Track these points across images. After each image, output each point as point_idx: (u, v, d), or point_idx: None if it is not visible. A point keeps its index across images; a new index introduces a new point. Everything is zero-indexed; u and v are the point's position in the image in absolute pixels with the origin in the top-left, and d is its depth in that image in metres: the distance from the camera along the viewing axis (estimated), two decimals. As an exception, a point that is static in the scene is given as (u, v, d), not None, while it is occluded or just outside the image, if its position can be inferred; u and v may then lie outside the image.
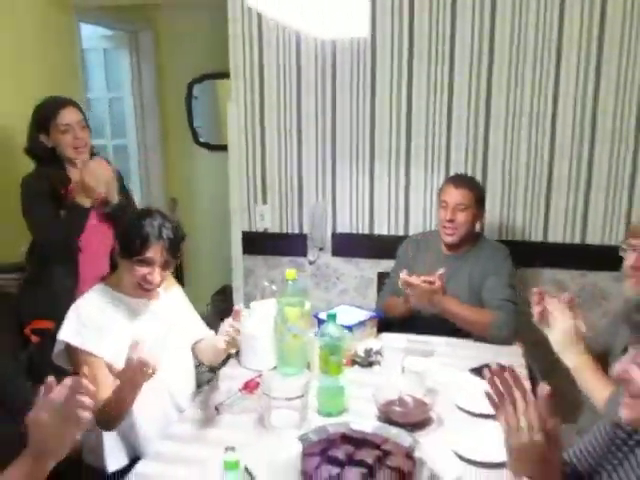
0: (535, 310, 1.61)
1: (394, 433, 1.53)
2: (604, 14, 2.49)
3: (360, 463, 1.39)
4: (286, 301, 1.86)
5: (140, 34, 3.98)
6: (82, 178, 2.25)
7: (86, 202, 2.29)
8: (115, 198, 2.37)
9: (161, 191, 4.26)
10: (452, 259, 2.30)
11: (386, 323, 2.35)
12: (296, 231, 2.97)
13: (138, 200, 4.25)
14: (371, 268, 2.89)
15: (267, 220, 2.99)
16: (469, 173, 2.68)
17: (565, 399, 1.96)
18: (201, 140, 4.31)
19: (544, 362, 1.84)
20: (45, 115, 2.41)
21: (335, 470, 1.38)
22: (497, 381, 1.40)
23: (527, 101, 2.64)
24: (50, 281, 2.34)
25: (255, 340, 1.95)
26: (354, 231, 2.91)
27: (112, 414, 1.59)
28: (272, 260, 2.99)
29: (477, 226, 2.44)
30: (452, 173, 2.66)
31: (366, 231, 2.90)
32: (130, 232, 1.70)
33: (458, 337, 2.19)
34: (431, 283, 2.05)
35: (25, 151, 2.44)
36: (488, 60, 2.64)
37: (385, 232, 2.88)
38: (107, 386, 1.58)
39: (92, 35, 3.91)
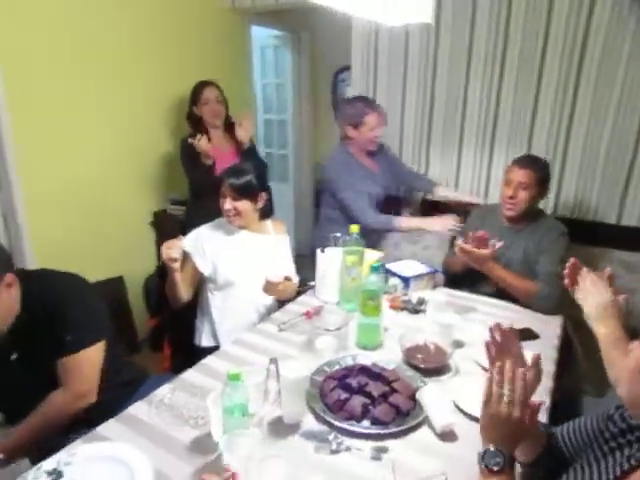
0: (566, 280, 1.25)
1: (409, 375, 1.32)
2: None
3: (367, 394, 1.22)
4: (349, 250, 1.68)
5: (301, 34, 3.83)
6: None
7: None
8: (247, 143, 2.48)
9: (310, 155, 4.19)
10: (510, 231, 1.88)
11: (453, 279, 2.05)
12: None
13: (291, 162, 4.25)
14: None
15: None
16: (549, 155, 2.18)
17: (600, 374, 1.56)
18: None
19: (589, 338, 1.44)
20: (195, 92, 2.44)
21: (344, 395, 1.22)
22: (496, 335, 1.13)
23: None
24: (200, 212, 2.35)
25: (325, 277, 1.81)
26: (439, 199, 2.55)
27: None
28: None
29: (541, 203, 1.98)
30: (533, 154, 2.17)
31: (450, 199, 2.53)
32: None
33: (506, 300, 1.81)
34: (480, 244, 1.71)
35: (186, 118, 2.50)
36: (578, 61, 2.08)
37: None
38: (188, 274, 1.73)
39: (267, 36, 3.88)
